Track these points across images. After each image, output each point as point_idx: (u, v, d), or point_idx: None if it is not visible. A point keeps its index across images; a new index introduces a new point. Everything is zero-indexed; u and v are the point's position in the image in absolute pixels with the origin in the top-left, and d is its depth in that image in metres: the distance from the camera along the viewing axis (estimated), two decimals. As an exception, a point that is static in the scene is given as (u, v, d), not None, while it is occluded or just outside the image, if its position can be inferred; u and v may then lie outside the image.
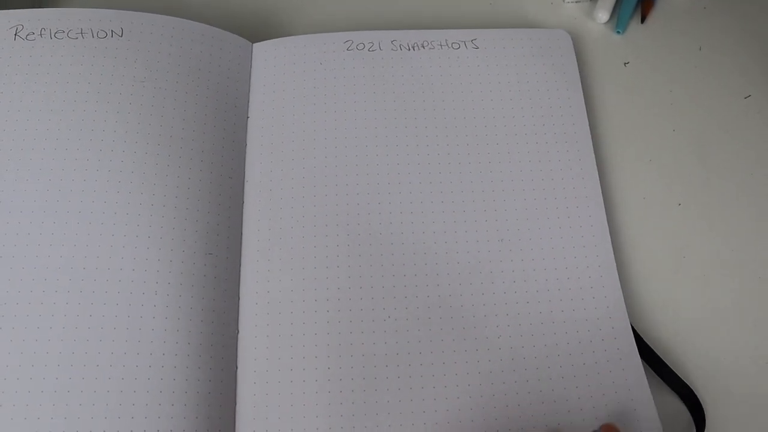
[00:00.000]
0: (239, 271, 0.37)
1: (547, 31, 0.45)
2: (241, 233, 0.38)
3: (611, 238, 0.39)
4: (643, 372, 0.35)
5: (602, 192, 0.41)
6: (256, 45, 0.44)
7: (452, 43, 0.44)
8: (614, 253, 0.39)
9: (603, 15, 0.47)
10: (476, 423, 0.34)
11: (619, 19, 0.47)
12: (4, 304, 0.34)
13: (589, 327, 0.37)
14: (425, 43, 0.44)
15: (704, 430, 0.35)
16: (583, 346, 0.36)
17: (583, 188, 0.40)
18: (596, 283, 0.38)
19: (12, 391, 0.32)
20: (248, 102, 0.42)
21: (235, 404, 0.34)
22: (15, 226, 0.36)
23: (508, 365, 0.35)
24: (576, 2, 0.48)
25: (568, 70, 0.44)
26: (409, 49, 0.44)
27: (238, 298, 0.37)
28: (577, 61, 0.45)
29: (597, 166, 0.41)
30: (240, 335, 0.36)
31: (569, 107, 0.43)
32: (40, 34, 0.41)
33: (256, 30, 0.46)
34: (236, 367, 0.35)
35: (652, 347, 0.36)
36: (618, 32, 0.47)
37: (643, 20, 0.47)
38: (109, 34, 0.42)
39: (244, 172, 0.40)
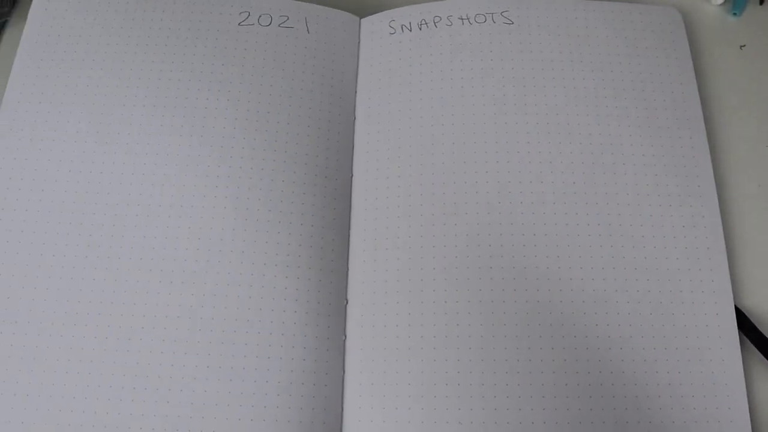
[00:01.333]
0: (347, 268, 0.37)
1: (656, 7, 0.43)
2: (349, 226, 0.38)
3: (724, 225, 0.38)
4: (744, 388, 0.34)
5: (716, 179, 0.39)
6: (364, 20, 0.43)
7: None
8: (729, 241, 0.38)
9: (719, -4, 0.45)
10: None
11: (735, 1, 0.45)
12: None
13: (695, 315, 0.36)
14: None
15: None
16: (685, 330, 0.35)
17: (695, 176, 0.39)
18: (705, 275, 0.36)
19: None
20: (356, 81, 0.41)
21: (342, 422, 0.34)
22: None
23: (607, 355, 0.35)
24: (689, -17, 0.47)
25: (678, 50, 0.42)
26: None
27: (346, 301, 0.36)
28: (690, 43, 0.43)
29: (710, 152, 0.40)
30: (347, 339, 0.35)
31: (680, 90, 0.41)
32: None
33: (362, 4, 0.45)
34: (343, 372, 0.35)
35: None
36: (734, 14, 0.45)
37: (761, 2, 0.45)
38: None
39: (353, 157, 0.39)
